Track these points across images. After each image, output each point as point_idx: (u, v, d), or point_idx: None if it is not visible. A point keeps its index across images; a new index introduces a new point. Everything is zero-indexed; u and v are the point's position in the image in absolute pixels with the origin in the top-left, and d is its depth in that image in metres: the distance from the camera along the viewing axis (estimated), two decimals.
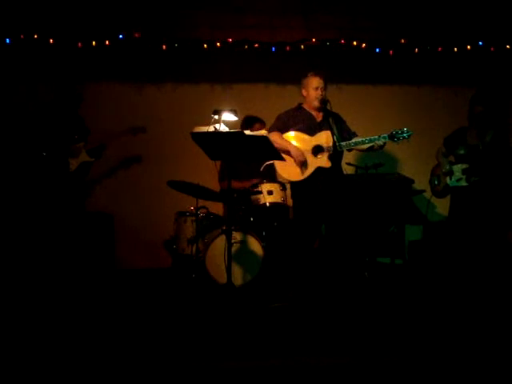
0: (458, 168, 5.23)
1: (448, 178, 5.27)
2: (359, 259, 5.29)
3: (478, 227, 5.17)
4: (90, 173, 5.82)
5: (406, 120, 5.76)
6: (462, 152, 5.24)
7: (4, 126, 5.93)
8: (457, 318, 4.16)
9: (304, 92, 4.70)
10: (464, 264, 5.02)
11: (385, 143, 4.53)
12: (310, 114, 4.69)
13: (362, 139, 4.56)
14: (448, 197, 5.38)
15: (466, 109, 5.32)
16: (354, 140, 4.57)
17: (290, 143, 4.61)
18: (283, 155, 4.37)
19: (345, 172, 4.94)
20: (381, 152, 5.26)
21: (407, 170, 6.19)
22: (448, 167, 5.25)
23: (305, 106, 4.72)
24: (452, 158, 5.34)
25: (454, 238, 5.23)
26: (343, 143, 4.50)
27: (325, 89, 4.62)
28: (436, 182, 5.41)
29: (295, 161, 4.56)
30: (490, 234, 5.22)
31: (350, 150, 4.75)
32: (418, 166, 6.00)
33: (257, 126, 5.53)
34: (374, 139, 4.49)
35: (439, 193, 5.41)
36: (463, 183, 5.20)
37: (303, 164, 4.56)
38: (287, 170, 4.64)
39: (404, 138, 4.49)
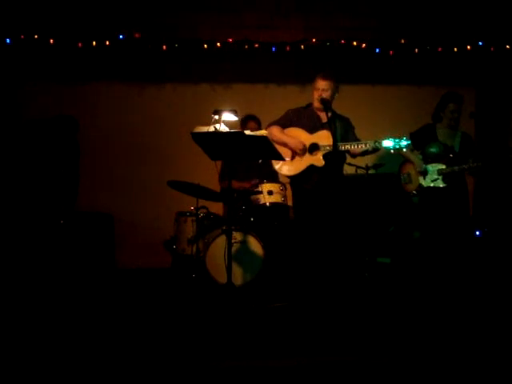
0: (432, 168, 5.06)
1: (422, 178, 5.09)
2: (359, 259, 5.29)
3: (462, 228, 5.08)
4: (91, 173, 5.85)
5: (406, 120, 5.78)
6: (433, 150, 5.06)
7: (5, 129, 5.93)
8: (457, 317, 4.16)
9: (312, 93, 4.74)
10: (463, 264, 5.02)
11: (377, 148, 4.52)
12: (316, 114, 4.72)
13: (357, 142, 4.58)
14: None
15: (466, 109, 5.31)
16: (349, 142, 4.58)
17: (286, 136, 4.64)
18: (280, 148, 4.36)
19: (345, 172, 4.94)
20: (381, 152, 5.25)
21: None
22: (424, 166, 5.05)
23: (313, 106, 4.76)
24: (417, 154, 5.17)
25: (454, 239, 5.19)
26: (339, 144, 4.50)
27: (330, 90, 4.63)
28: (407, 180, 5.20)
29: (295, 151, 4.59)
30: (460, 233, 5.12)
31: (352, 156, 4.76)
32: None
33: (251, 124, 5.54)
34: (369, 144, 4.49)
35: (411, 192, 5.17)
36: (440, 184, 5.03)
37: (299, 155, 4.58)
38: (281, 164, 4.68)
39: (401, 147, 4.46)
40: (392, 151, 4.51)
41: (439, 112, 5.15)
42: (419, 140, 5.11)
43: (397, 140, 4.45)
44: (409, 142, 4.47)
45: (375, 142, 4.47)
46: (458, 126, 5.15)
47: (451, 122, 5.09)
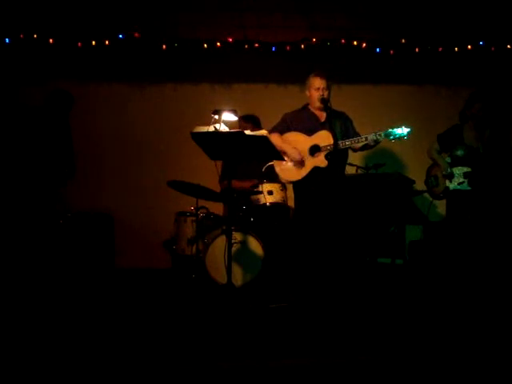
0: (458, 171, 5.11)
1: (448, 181, 5.17)
2: (359, 259, 5.28)
3: (481, 231, 5.09)
4: (91, 173, 5.84)
5: (406, 120, 5.74)
6: (460, 153, 5.12)
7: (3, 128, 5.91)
8: (457, 318, 4.15)
9: (307, 93, 4.70)
10: (464, 264, 5.01)
11: (378, 140, 4.47)
12: (314, 115, 4.69)
13: (357, 137, 4.53)
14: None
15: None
16: (350, 139, 4.55)
17: (285, 144, 4.61)
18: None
19: (346, 172, 4.93)
20: (381, 152, 5.25)
21: (408, 170, 6.18)
22: (449, 169, 5.13)
23: (309, 107, 4.73)
24: (446, 156, 5.24)
25: (454, 240, 5.18)
26: (339, 142, 4.48)
27: (328, 88, 4.61)
28: (434, 183, 5.29)
29: (292, 160, 4.57)
30: (495, 237, 5.15)
31: (353, 150, 4.74)
32: (418, 166, 5.98)
33: (241, 123, 5.48)
34: (369, 137, 4.45)
35: (438, 195, 5.28)
36: (465, 187, 5.08)
37: (300, 163, 4.57)
38: (285, 171, 4.66)
39: (402, 136, 4.42)
40: (393, 140, 4.46)
41: (465, 111, 5.18)
42: (447, 142, 5.18)
43: (395, 127, 4.40)
44: (409, 129, 4.42)
45: (375, 133, 4.43)
46: (488, 123, 5.18)
47: (478, 120, 5.12)
